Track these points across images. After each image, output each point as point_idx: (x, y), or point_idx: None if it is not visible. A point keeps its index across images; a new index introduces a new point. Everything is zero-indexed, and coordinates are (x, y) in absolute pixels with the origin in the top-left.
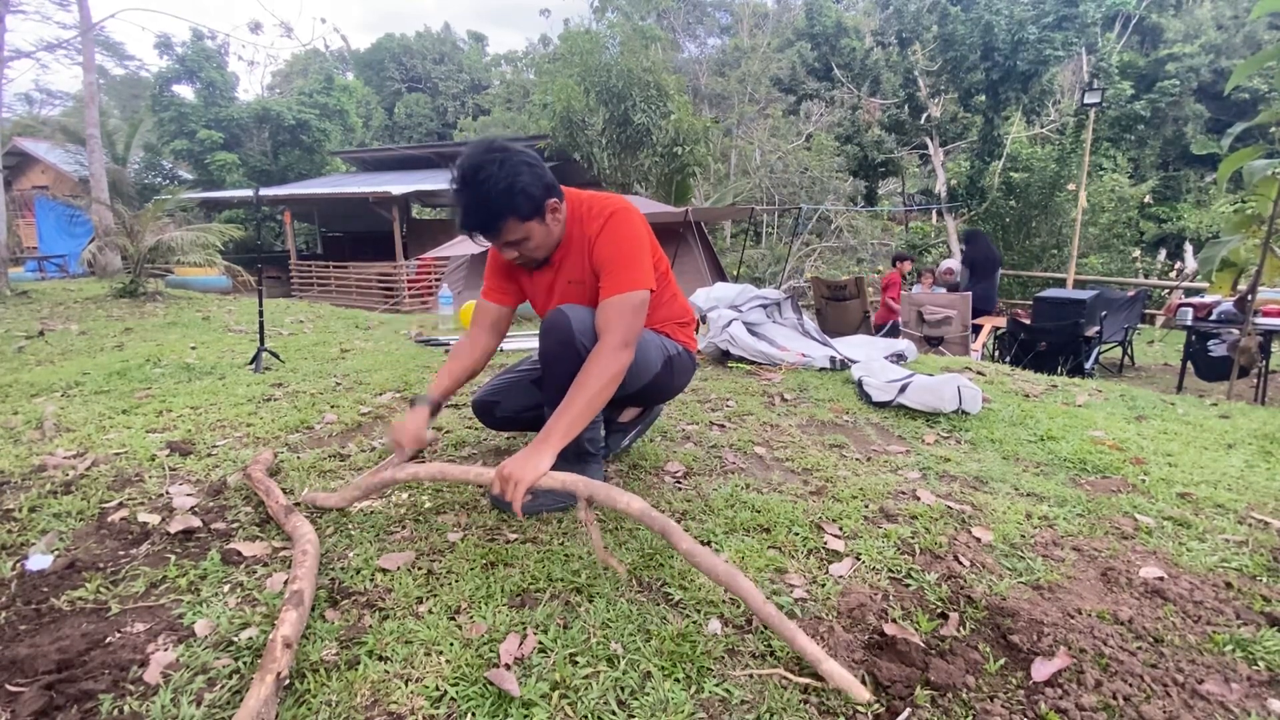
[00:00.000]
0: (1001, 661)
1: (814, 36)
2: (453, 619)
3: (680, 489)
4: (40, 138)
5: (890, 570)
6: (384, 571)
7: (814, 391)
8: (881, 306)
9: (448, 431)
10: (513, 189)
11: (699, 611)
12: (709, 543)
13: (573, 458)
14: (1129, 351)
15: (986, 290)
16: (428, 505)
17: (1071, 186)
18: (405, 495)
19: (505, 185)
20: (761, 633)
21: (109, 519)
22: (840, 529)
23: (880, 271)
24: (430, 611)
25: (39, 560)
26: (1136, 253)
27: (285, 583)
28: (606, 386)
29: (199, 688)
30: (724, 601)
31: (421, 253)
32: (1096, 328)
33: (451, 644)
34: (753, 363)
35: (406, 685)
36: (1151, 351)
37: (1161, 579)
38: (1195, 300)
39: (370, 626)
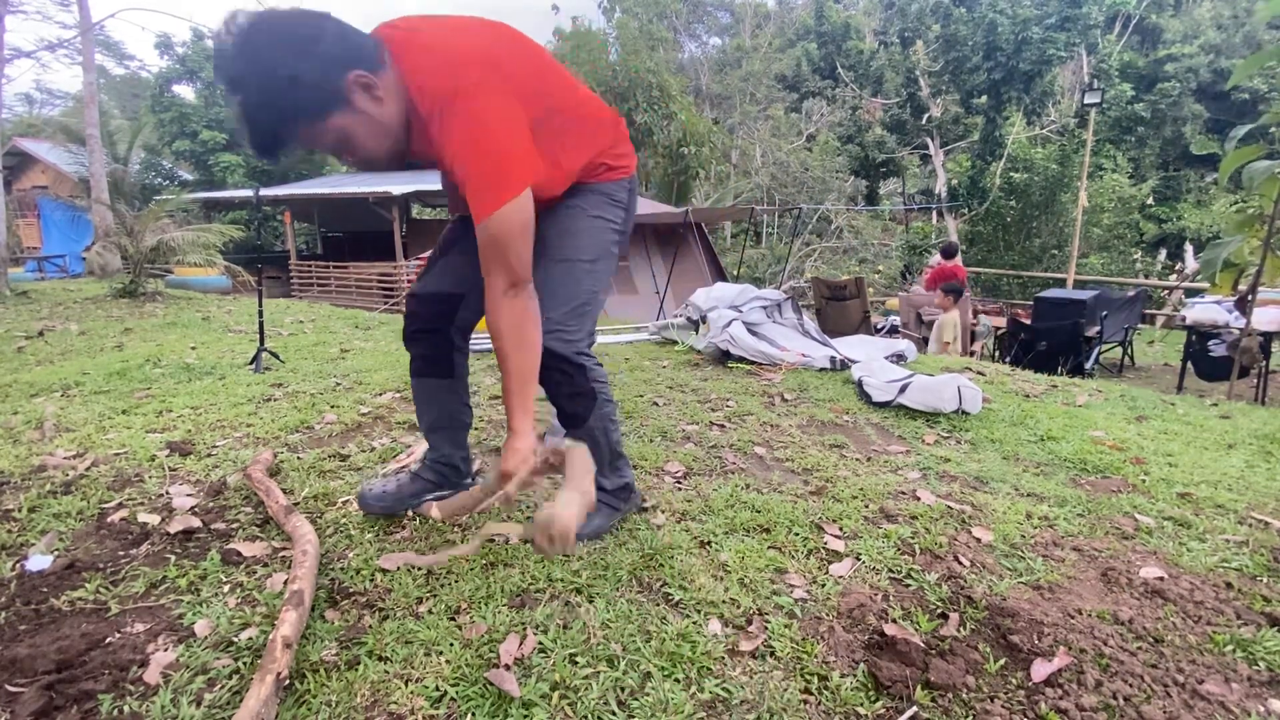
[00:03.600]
0: (1001, 661)
1: (821, 35)
2: (453, 619)
3: (680, 489)
4: (40, 138)
5: (890, 570)
6: (384, 571)
7: (814, 391)
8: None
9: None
10: (280, 88)
11: (699, 612)
12: (709, 543)
13: (608, 468)
14: (1129, 351)
15: None
16: None
17: (1078, 184)
18: None
19: (271, 88)
20: (761, 634)
21: (109, 519)
22: (840, 529)
23: (880, 271)
24: (430, 611)
25: (39, 560)
26: (1137, 253)
27: (285, 583)
28: (516, 343)
29: (199, 688)
30: (724, 602)
31: (421, 253)
32: (1097, 328)
33: (451, 644)
34: (753, 363)
35: (406, 685)
36: (1151, 351)
37: (1161, 579)
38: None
39: (370, 626)
